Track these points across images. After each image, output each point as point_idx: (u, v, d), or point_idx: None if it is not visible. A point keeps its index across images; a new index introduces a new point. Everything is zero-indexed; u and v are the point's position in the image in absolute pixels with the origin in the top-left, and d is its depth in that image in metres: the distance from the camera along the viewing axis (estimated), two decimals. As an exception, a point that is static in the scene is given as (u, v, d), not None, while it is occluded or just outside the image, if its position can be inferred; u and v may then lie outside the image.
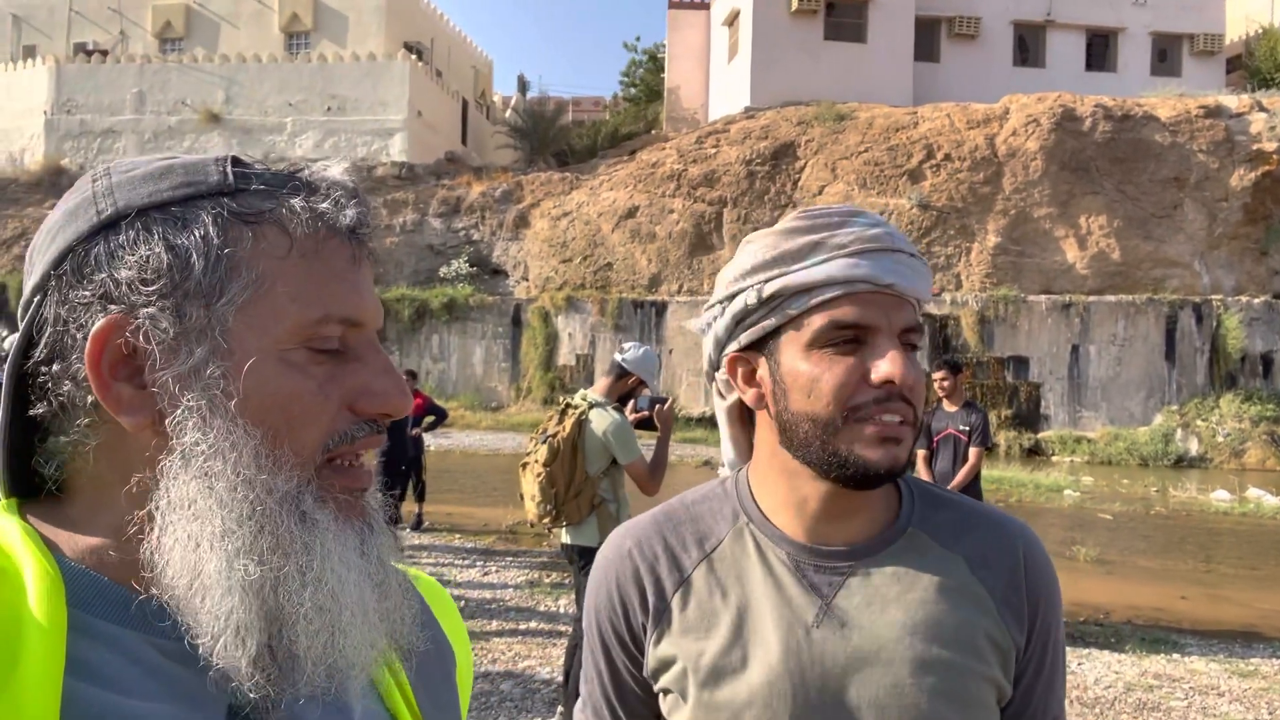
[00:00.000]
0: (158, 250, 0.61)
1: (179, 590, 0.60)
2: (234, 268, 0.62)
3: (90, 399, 0.62)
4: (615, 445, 4.22)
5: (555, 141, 30.91)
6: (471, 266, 25.34)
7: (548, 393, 23.18)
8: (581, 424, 4.26)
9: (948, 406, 6.45)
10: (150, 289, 0.61)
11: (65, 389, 0.63)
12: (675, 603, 1.03)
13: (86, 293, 0.62)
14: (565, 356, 23.63)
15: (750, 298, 0.99)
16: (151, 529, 0.61)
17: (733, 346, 1.02)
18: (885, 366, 0.93)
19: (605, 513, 4.29)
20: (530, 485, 4.28)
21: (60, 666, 0.56)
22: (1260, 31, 30.45)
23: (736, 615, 1.00)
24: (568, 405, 4.41)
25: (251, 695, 0.60)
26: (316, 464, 0.64)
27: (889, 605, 0.98)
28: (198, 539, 0.60)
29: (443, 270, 25.35)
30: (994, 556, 1.01)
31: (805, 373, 0.96)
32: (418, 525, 9.80)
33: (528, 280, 25.50)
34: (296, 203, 0.64)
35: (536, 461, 4.25)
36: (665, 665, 1.02)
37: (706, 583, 1.03)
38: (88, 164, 29.63)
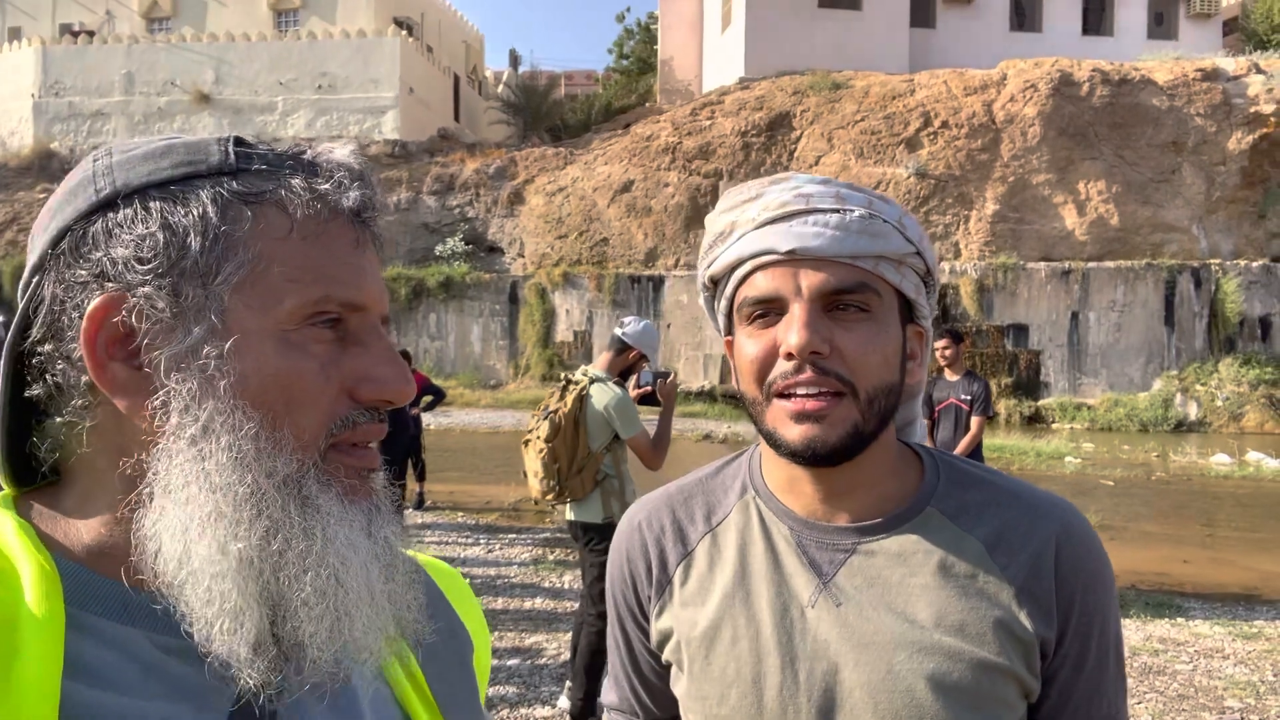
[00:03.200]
0: (154, 229, 0.60)
1: (169, 576, 0.59)
2: (231, 247, 0.61)
3: (85, 379, 0.61)
4: (617, 420, 4.21)
5: (548, 116, 30.70)
6: (467, 244, 25.24)
7: (546, 369, 23.18)
8: (583, 399, 4.25)
9: (949, 376, 6.43)
10: (146, 268, 0.60)
11: (60, 369, 0.62)
12: (678, 575, 1.03)
13: (83, 272, 0.61)
14: (563, 333, 23.59)
15: (704, 282, 1.00)
16: (143, 513, 0.59)
17: (721, 330, 1.02)
18: (783, 336, 0.89)
19: (609, 488, 4.28)
20: (533, 462, 4.26)
21: (58, 666, 0.55)
22: (1258, -8, 30.20)
23: (734, 589, 0.98)
24: (569, 381, 4.38)
25: (252, 683, 0.59)
26: (320, 448, 0.62)
27: (890, 587, 0.93)
28: (187, 523, 0.58)
29: (438, 248, 25.25)
30: (1017, 541, 0.94)
31: (737, 352, 0.95)
32: (420, 504, 9.82)
33: (524, 257, 25.41)
34: (298, 183, 0.63)
35: (539, 438, 4.24)
36: (666, 637, 1.03)
37: (709, 556, 1.02)
38: (77, 147, 29.43)
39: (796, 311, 0.89)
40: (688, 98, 29.59)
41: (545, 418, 4.28)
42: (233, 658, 0.58)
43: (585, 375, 4.35)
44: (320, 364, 0.62)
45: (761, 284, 0.92)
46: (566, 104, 33.31)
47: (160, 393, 0.60)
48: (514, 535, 8.59)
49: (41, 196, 27.22)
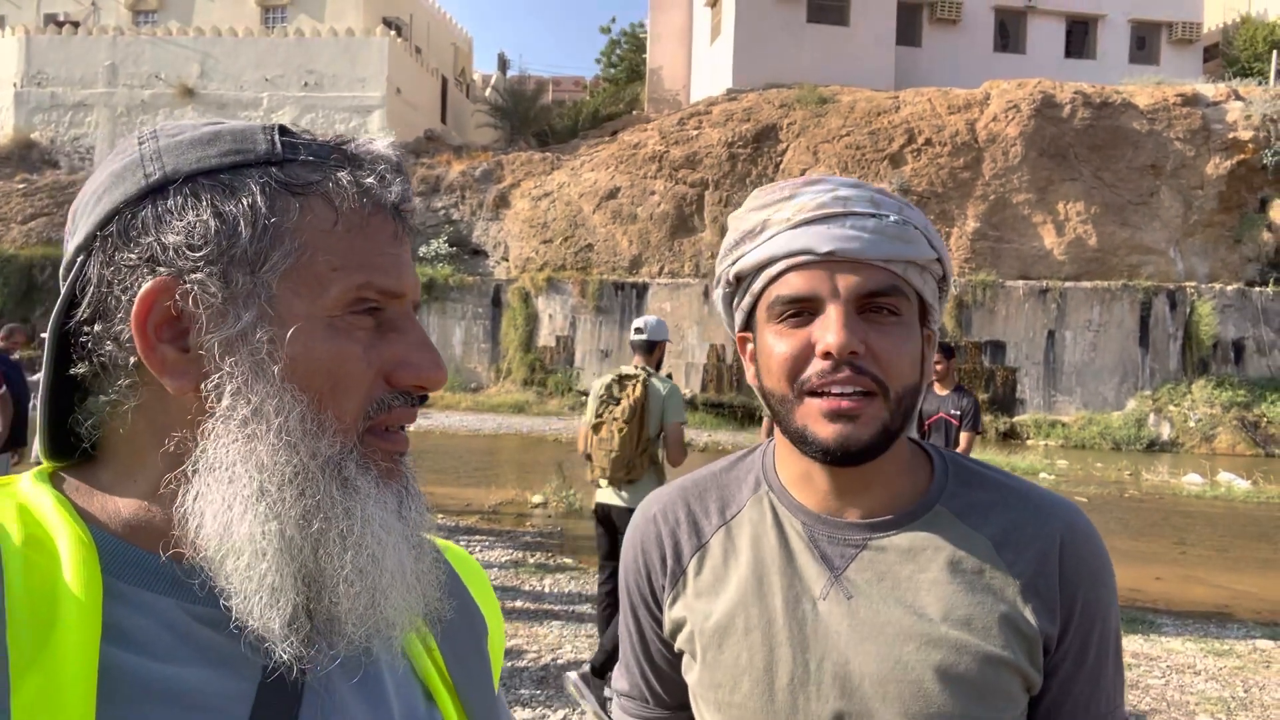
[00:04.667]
0: (206, 217, 0.62)
1: (210, 551, 0.60)
2: (279, 237, 0.63)
3: (133, 360, 0.63)
4: (671, 406, 4.65)
5: (536, 121, 30.70)
6: (451, 246, 25.17)
7: (527, 374, 23.14)
8: (646, 388, 4.67)
9: (939, 390, 6.45)
10: (197, 254, 0.61)
11: (107, 349, 0.63)
12: (691, 567, 1.05)
13: (133, 255, 0.62)
14: (545, 338, 23.56)
15: (728, 279, 1.01)
16: (186, 490, 0.61)
17: (735, 327, 1.03)
18: (822, 336, 0.91)
19: (660, 473, 4.70)
20: (609, 441, 4.62)
21: (97, 633, 0.56)
22: (1238, 20, 30.71)
23: (747, 581, 1.01)
24: (623, 375, 4.78)
25: (286, 657, 0.60)
26: (359, 431, 0.64)
27: (900, 582, 0.96)
28: (230, 501, 0.60)
29: (422, 250, 25.15)
30: (1024, 539, 0.97)
31: (766, 349, 0.96)
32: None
33: (508, 261, 25.37)
34: (344, 176, 0.65)
35: (616, 419, 4.61)
36: (679, 626, 1.05)
37: (722, 548, 1.04)
38: (58, 138, 29.13)
39: (833, 312, 0.91)
40: (675, 107, 29.69)
41: (615, 402, 4.66)
42: (267, 631, 0.60)
43: (639, 370, 4.77)
44: (363, 348, 0.64)
45: (796, 283, 0.93)
46: (554, 109, 33.34)
47: (214, 375, 0.61)
48: (494, 538, 8.57)
49: (20, 186, 26.89)
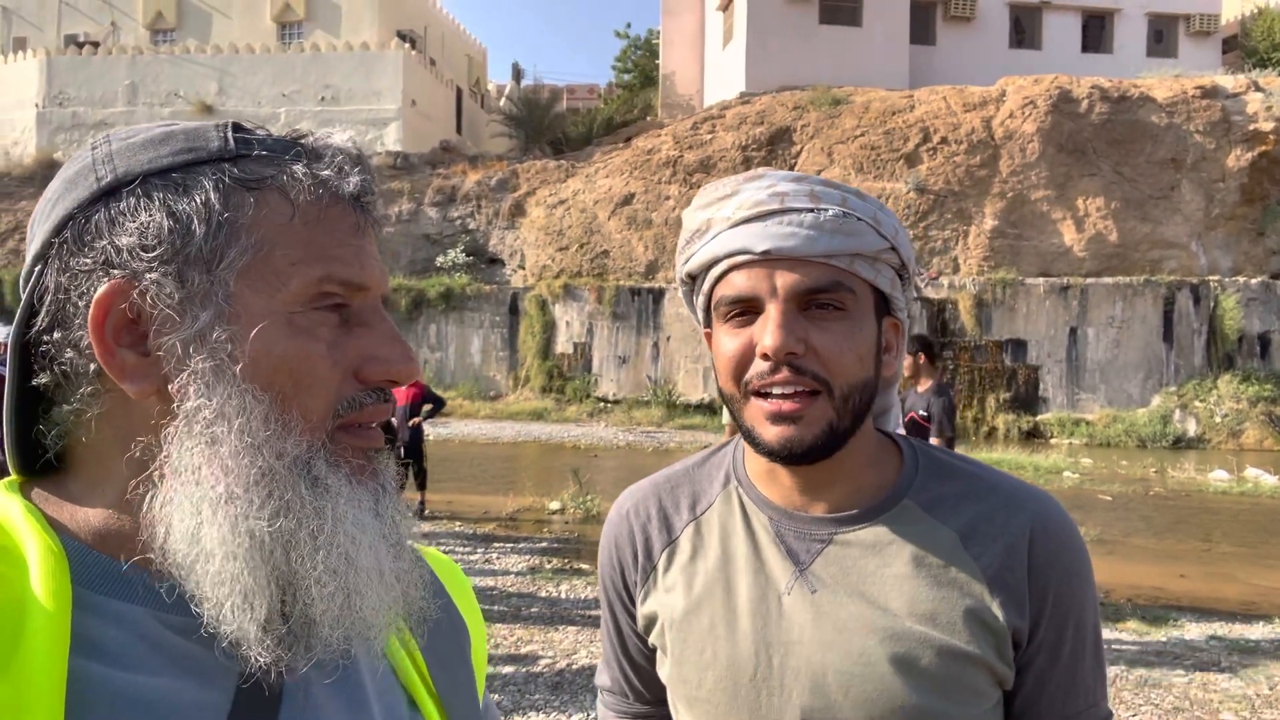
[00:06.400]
0: (158, 217, 0.61)
1: (179, 557, 0.59)
2: (234, 233, 0.62)
3: (93, 366, 0.62)
4: None
5: (550, 129, 30.81)
6: (468, 256, 25.29)
7: (545, 381, 23.19)
8: None
9: (919, 387, 6.23)
10: (151, 255, 0.61)
11: (68, 357, 0.62)
12: (662, 562, 1.05)
13: (88, 260, 0.61)
14: (563, 345, 23.61)
15: (682, 277, 1.01)
16: (153, 496, 0.60)
17: (701, 323, 1.03)
18: (759, 336, 0.90)
19: None
20: None
21: (65, 644, 0.55)
22: (1256, 11, 30.36)
23: (714, 576, 1.01)
24: None
25: (262, 662, 0.59)
26: (328, 429, 0.63)
27: (865, 577, 0.95)
28: (198, 505, 0.59)
29: (439, 259, 25.29)
30: (992, 532, 0.95)
31: (716, 349, 0.96)
32: (420, 513, 9.82)
33: (524, 269, 25.45)
34: (299, 169, 0.64)
35: None
36: (652, 622, 1.05)
37: (692, 543, 1.04)
38: (81, 157, 29.48)
39: (772, 312, 0.90)
40: (689, 112, 29.69)
41: None
42: (242, 637, 0.59)
43: None
44: (327, 345, 0.63)
45: (738, 283, 0.93)
46: (568, 117, 33.45)
47: (170, 378, 0.61)
48: (511, 545, 8.59)
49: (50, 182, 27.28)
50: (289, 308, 0.62)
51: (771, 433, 0.91)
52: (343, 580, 0.61)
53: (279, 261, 0.62)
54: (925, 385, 6.16)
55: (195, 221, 0.61)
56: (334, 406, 0.63)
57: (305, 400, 0.62)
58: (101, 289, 0.60)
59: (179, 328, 0.61)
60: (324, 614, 0.61)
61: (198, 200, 0.61)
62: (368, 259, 0.66)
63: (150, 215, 0.61)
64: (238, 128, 0.65)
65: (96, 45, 31.39)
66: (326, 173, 0.64)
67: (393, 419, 9.22)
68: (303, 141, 0.66)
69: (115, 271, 0.61)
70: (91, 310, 0.60)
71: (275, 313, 0.62)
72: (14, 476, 0.66)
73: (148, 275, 0.60)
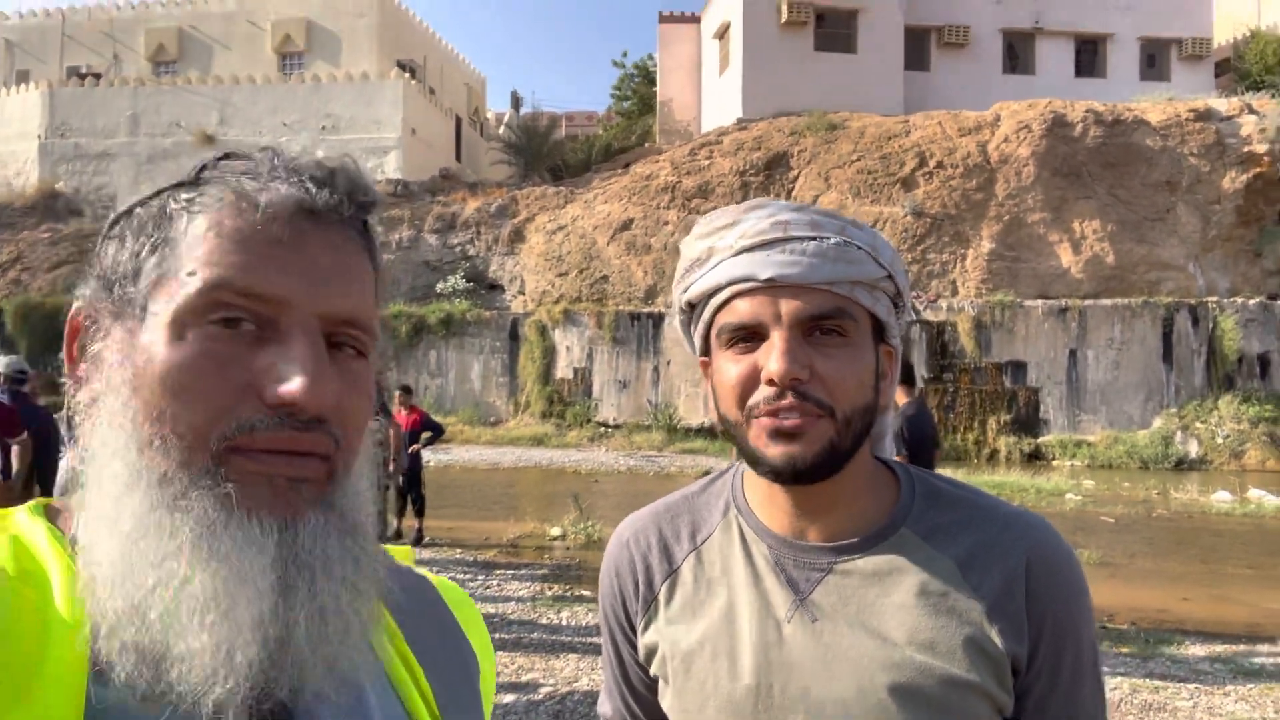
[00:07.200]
0: (114, 242, 0.66)
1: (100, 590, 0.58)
2: (155, 249, 0.63)
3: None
4: None
5: (549, 156, 31.01)
6: (468, 282, 25.35)
7: (546, 407, 23.17)
8: None
9: (896, 402, 6.27)
10: (98, 274, 0.65)
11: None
12: (663, 592, 1.05)
13: (87, 289, 0.67)
14: (563, 370, 23.61)
15: (681, 306, 1.02)
16: (81, 518, 0.61)
17: (697, 352, 1.04)
18: (764, 362, 0.92)
19: None
20: None
21: (85, 670, 0.56)
22: (1248, 34, 30.64)
23: (716, 606, 1.01)
24: None
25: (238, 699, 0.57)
26: (213, 450, 0.59)
27: (865, 606, 0.96)
28: (95, 529, 0.59)
29: (439, 286, 25.36)
30: (990, 560, 0.96)
31: (718, 375, 0.97)
32: (418, 540, 9.78)
33: (524, 294, 25.52)
34: (230, 181, 0.64)
35: None
36: (653, 652, 1.05)
37: (693, 573, 1.05)
38: (83, 188, 29.70)
39: (777, 339, 0.92)
40: (686, 138, 29.91)
41: None
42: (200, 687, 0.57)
43: None
44: (216, 360, 0.59)
45: (742, 310, 0.94)
46: (567, 144, 33.67)
47: (88, 391, 0.63)
48: (512, 571, 8.55)
49: (45, 236, 27.41)
50: (181, 318, 0.60)
51: (775, 450, 0.92)
52: (207, 619, 0.56)
53: (181, 273, 0.61)
54: (900, 401, 6.26)
55: (130, 240, 0.64)
56: (220, 427, 0.59)
57: (180, 416, 0.58)
58: (74, 307, 0.66)
59: (96, 338, 0.64)
60: (193, 654, 0.56)
61: (135, 223, 0.65)
62: (289, 270, 0.61)
63: (109, 242, 0.66)
64: (227, 156, 0.66)
65: (99, 77, 31.67)
66: (249, 183, 0.63)
67: (385, 450, 9.20)
68: (244, 154, 0.66)
69: (86, 292, 0.66)
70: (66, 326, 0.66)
71: (164, 324, 0.60)
72: (41, 499, 0.67)
73: (88, 292, 0.65)
